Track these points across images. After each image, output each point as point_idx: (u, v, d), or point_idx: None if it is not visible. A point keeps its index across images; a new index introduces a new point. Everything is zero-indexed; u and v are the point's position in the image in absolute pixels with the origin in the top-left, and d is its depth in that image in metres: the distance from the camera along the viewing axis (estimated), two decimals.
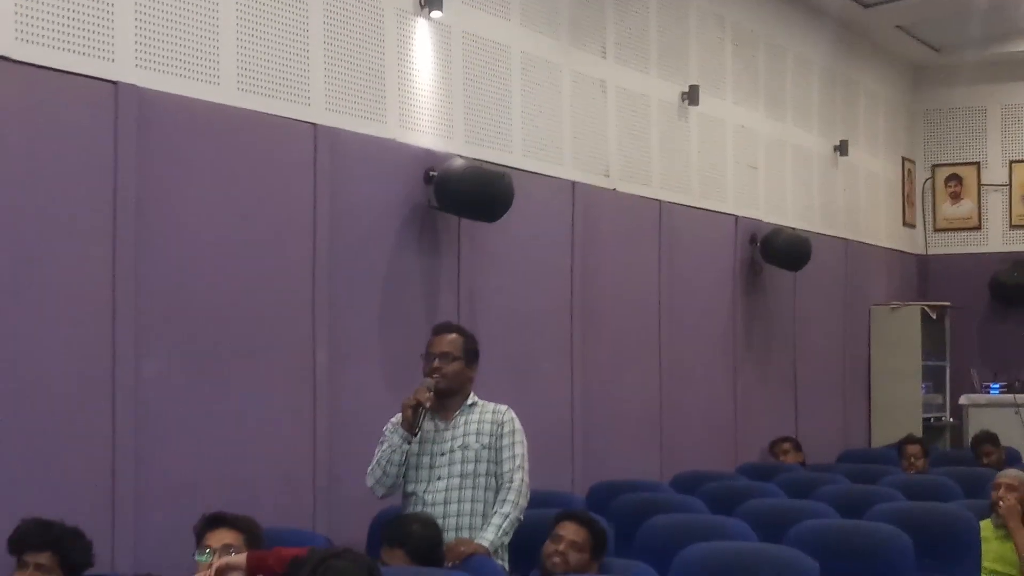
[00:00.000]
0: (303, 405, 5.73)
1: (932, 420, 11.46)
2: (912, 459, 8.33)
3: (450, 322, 5.43)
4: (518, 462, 5.02)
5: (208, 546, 4.05)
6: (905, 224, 12.36)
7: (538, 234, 7.28)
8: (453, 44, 6.70)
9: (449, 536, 4.81)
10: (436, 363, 5.01)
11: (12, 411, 4.56)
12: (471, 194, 6.38)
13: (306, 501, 5.72)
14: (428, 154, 6.45)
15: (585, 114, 7.77)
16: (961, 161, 12.52)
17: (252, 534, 4.11)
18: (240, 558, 3.92)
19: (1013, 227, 12.32)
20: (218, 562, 3.93)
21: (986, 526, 6.06)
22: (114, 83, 4.94)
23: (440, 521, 4.81)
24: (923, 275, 12.51)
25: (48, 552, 4.05)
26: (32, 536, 4.07)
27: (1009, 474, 6.36)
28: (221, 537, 4.05)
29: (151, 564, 4.76)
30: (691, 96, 8.69)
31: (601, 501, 6.52)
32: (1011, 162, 12.31)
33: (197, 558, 4.06)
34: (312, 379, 5.76)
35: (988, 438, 8.91)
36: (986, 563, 5.87)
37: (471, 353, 5.11)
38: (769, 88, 9.87)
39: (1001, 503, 6.12)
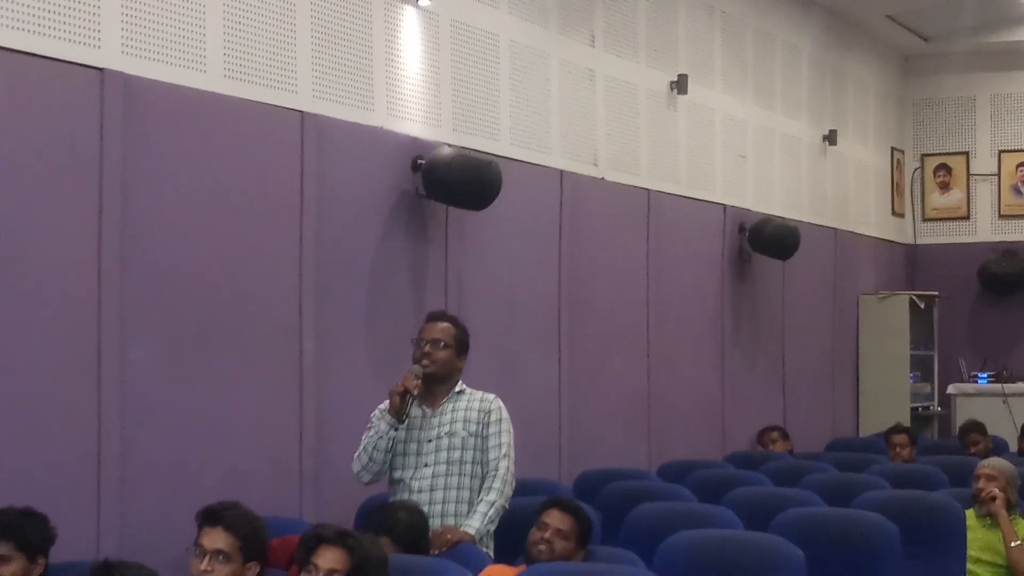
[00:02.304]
0: (290, 392, 5.72)
1: (920, 409, 11.49)
2: (899, 448, 8.34)
3: (444, 311, 5.45)
4: (504, 450, 5.03)
5: (201, 544, 3.97)
6: (894, 213, 12.37)
7: (526, 223, 7.28)
8: (441, 32, 6.69)
9: (435, 523, 4.82)
10: (427, 348, 5.02)
11: None
12: (459, 182, 6.36)
13: (293, 488, 5.72)
14: (415, 142, 6.44)
15: (573, 103, 7.76)
16: (950, 151, 12.53)
17: (249, 539, 4.00)
18: None
19: (1002, 217, 12.33)
20: None
21: (970, 515, 6.08)
22: (100, 70, 4.92)
23: (426, 508, 4.82)
24: (912, 264, 12.52)
25: (2, 541, 4.00)
26: None
27: (989, 463, 6.36)
28: (215, 539, 3.95)
29: (136, 549, 4.74)
30: (679, 85, 8.69)
31: (588, 489, 6.53)
32: (1000, 152, 12.33)
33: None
34: (299, 366, 5.75)
35: (975, 427, 8.93)
36: (972, 552, 5.89)
37: (461, 344, 5.12)
38: (758, 77, 9.87)
39: (984, 494, 6.12)
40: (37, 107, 4.75)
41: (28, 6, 4.68)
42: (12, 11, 4.63)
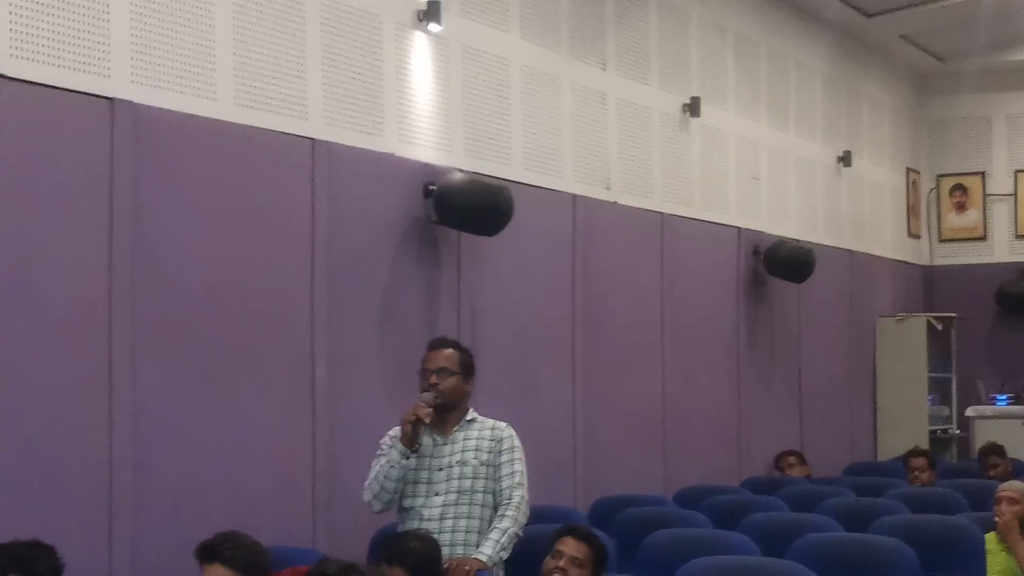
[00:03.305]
0: (302, 417, 5.71)
1: (938, 432, 11.41)
2: (917, 472, 8.27)
3: (446, 337, 5.40)
4: (517, 479, 4.99)
5: None
6: (910, 235, 12.32)
7: (539, 247, 7.26)
8: (452, 57, 6.68)
9: (445, 552, 4.78)
10: (433, 379, 4.98)
11: (9, 419, 4.55)
12: (471, 208, 6.35)
13: (305, 516, 5.69)
14: (427, 168, 6.43)
15: (586, 126, 7.75)
16: (966, 171, 12.48)
17: (249, 568, 3.97)
18: None
19: (1019, 237, 12.27)
20: None
21: (991, 539, 6.02)
22: (110, 99, 4.93)
23: (436, 537, 4.78)
24: (928, 286, 12.46)
25: (12, 574, 3.97)
26: None
27: (1010, 487, 6.31)
28: (215, 575, 3.95)
29: (148, 574, 4.75)
30: (692, 107, 8.67)
31: (604, 515, 6.49)
32: (1016, 172, 12.27)
33: None
34: (311, 391, 5.74)
35: (995, 450, 8.85)
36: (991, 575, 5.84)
37: (468, 368, 5.08)
38: (771, 98, 9.85)
39: (997, 518, 6.07)
40: (48, 136, 4.76)
41: (38, 36, 4.69)
42: (23, 41, 4.64)
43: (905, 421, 11.04)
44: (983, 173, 12.40)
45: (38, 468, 4.64)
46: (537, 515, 5.28)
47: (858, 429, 11.01)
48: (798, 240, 9.78)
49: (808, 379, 10.14)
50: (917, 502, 6.74)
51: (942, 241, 12.58)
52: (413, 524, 4.91)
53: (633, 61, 8.18)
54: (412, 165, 6.37)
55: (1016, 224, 12.28)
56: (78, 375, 4.81)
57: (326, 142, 5.86)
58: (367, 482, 4.98)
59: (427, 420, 4.88)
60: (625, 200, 8.06)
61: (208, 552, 3.95)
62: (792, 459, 9.25)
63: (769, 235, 9.56)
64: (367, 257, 6.12)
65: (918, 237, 12.46)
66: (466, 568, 4.68)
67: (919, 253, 12.46)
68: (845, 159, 10.89)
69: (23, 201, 4.65)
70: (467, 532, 4.91)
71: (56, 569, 4.10)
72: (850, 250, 10.98)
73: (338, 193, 5.91)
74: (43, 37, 4.71)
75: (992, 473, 8.53)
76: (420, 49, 6.47)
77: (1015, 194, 12.27)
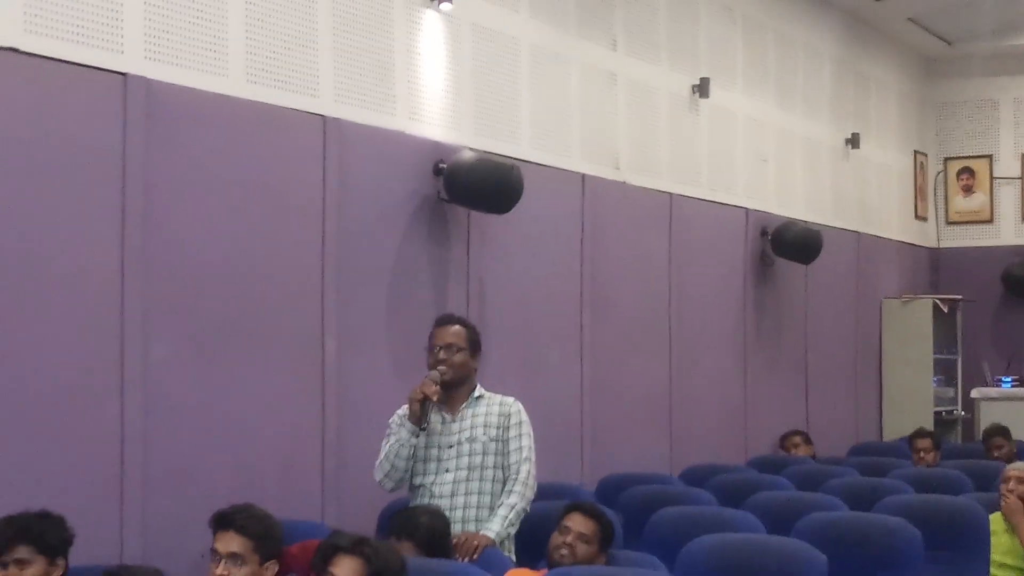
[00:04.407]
0: (312, 394, 5.74)
1: (944, 413, 11.43)
2: (922, 453, 8.30)
3: (452, 314, 5.43)
4: (525, 454, 5.02)
5: (215, 550, 3.99)
6: (917, 217, 12.32)
7: (548, 226, 7.28)
8: (462, 36, 6.69)
9: (456, 528, 4.82)
10: (441, 355, 5.01)
11: (20, 396, 4.59)
12: (480, 186, 6.37)
13: (314, 491, 5.73)
14: (437, 146, 6.45)
15: (595, 106, 7.76)
16: (973, 154, 12.47)
17: (263, 539, 4.01)
18: None
19: None
20: None
21: (996, 519, 6.05)
22: (123, 75, 4.95)
23: (448, 513, 4.82)
24: (935, 268, 12.47)
25: (21, 545, 4.01)
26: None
27: (1018, 467, 6.34)
28: (228, 543, 3.97)
29: (159, 550, 4.80)
30: (701, 88, 8.67)
31: (610, 493, 6.53)
32: (1023, 155, 12.26)
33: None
34: (321, 368, 5.77)
35: (999, 431, 8.88)
36: (995, 556, 5.85)
37: (474, 344, 5.11)
38: (780, 80, 9.85)
39: (1004, 497, 6.10)
40: (61, 111, 4.78)
41: (51, 11, 4.70)
42: (36, 17, 4.66)
43: (910, 402, 11.06)
44: (990, 156, 12.39)
45: (50, 442, 4.67)
46: (544, 492, 5.31)
47: (863, 409, 11.03)
48: (805, 221, 9.79)
49: (814, 359, 10.16)
50: (922, 482, 6.76)
51: (949, 223, 12.58)
52: (424, 501, 4.95)
53: (642, 41, 8.18)
54: (422, 143, 6.39)
55: (1023, 207, 12.28)
56: (89, 350, 4.84)
57: (337, 119, 5.88)
58: (378, 461, 5.02)
59: (434, 398, 4.91)
60: (634, 180, 8.07)
61: (223, 520, 4.00)
62: (797, 439, 9.28)
63: (777, 216, 9.57)
64: (376, 234, 6.15)
65: (925, 219, 12.46)
66: (474, 543, 4.72)
67: (926, 235, 12.46)
68: (853, 141, 10.89)
69: (36, 177, 4.68)
70: (478, 508, 4.95)
71: (66, 540, 4.14)
72: (857, 232, 10.99)
73: (348, 170, 5.93)
74: (57, 12, 4.73)
75: (996, 454, 8.55)
76: (430, 27, 6.48)
77: (1022, 177, 12.26)
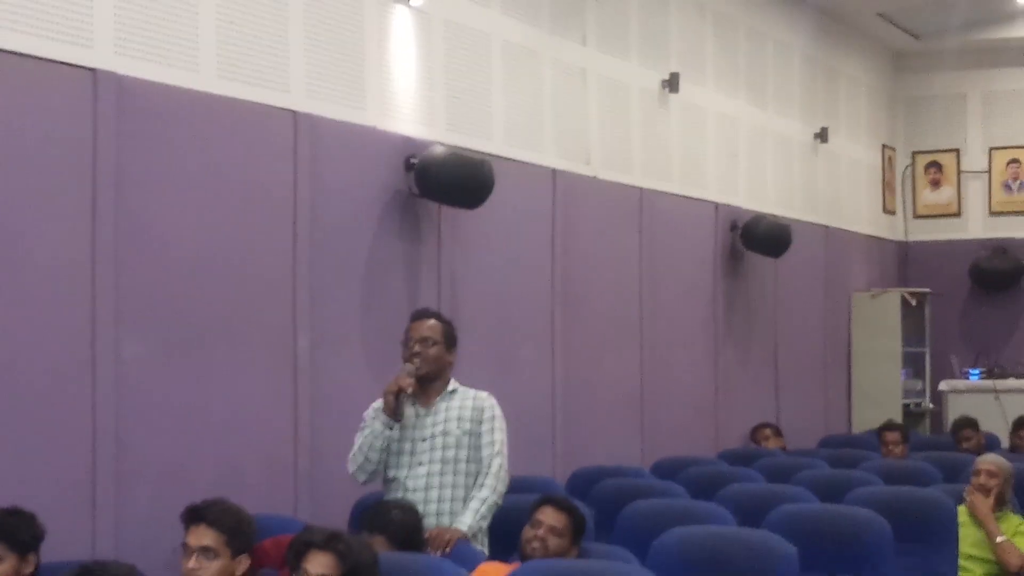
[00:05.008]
0: (284, 390, 5.74)
1: (912, 406, 11.52)
2: (891, 446, 8.36)
3: (428, 308, 5.45)
4: (497, 448, 5.04)
5: (187, 544, 3.98)
6: (885, 211, 12.40)
7: (519, 221, 7.30)
8: (433, 32, 6.70)
9: (430, 522, 4.83)
10: (416, 348, 5.03)
11: None
12: (452, 181, 6.39)
13: (288, 486, 5.74)
14: (408, 141, 6.46)
15: (566, 102, 7.78)
16: (941, 148, 12.55)
17: (235, 532, 4.00)
18: None
19: (993, 214, 12.36)
20: None
21: (963, 511, 6.09)
22: (92, 70, 4.94)
23: (421, 507, 4.83)
24: (903, 262, 12.55)
25: None
26: None
27: (989, 459, 6.38)
28: (200, 536, 3.96)
29: (131, 546, 4.79)
30: (672, 83, 8.70)
31: (582, 487, 6.54)
32: (991, 149, 12.35)
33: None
34: (293, 364, 5.77)
35: (968, 423, 8.95)
36: (964, 548, 5.89)
37: (450, 338, 5.13)
38: (750, 75, 9.89)
39: (967, 496, 6.15)
40: (30, 107, 4.77)
41: (20, 6, 4.69)
42: (4, 11, 4.64)
43: (879, 395, 11.14)
44: (958, 150, 12.47)
45: (20, 438, 4.66)
46: (515, 485, 5.32)
47: (832, 402, 11.10)
48: (775, 216, 9.84)
49: (784, 353, 10.22)
50: (891, 474, 6.81)
51: (917, 217, 12.66)
52: (398, 495, 4.96)
53: (613, 37, 8.20)
54: (393, 138, 6.40)
55: (990, 201, 12.37)
56: (61, 348, 4.83)
57: (308, 115, 5.88)
58: (351, 454, 5.03)
59: (409, 391, 4.92)
60: (605, 175, 8.10)
61: (195, 514, 3.99)
62: (767, 431, 9.34)
63: (746, 211, 9.62)
64: (349, 229, 6.15)
65: (893, 213, 12.54)
66: (446, 537, 4.73)
67: (894, 229, 12.55)
68: (822, 136, 10.94)
69: (5, 172, 4.66)
70: (452, 501, 4.96)
71: (37, 536, 4.13)
72: (826, 226, 11.06)
73: (320, 166, 5.93)
74: (26, 7, 4.71)
75: (965, 446, 8.63)
76: (402, 23, 6.48)
77: (989, 171, 12.35)
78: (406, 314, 5.39)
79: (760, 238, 9.44)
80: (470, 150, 6.74)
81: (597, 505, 5.95)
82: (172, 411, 5.22)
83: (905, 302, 11.40)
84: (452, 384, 5.13)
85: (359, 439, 5.01)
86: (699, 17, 9.21)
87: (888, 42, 12.24)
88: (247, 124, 5.63)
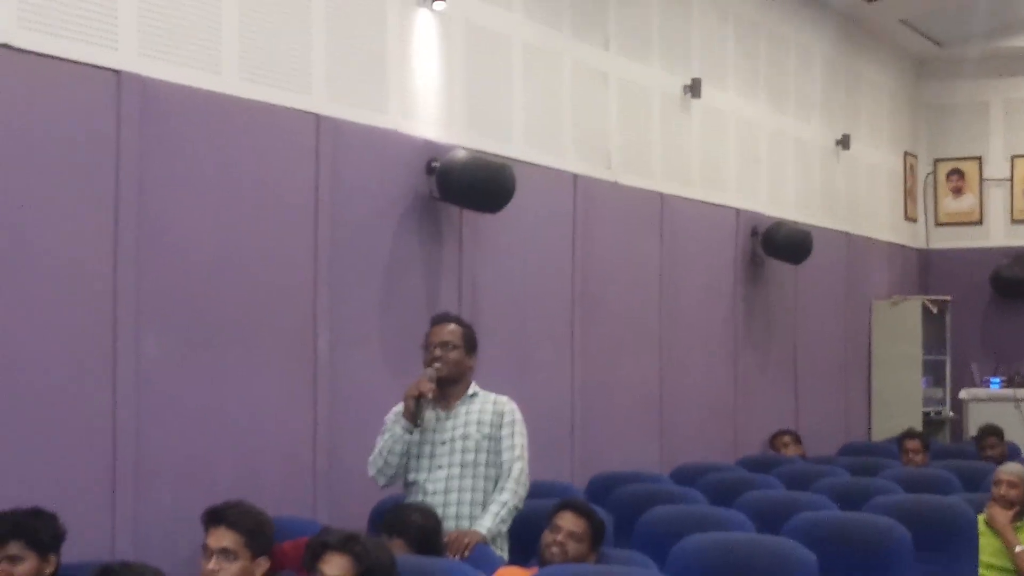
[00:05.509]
0: (304, 390, 5.75)
1: (932, 414, 11.48)
2: (912, 454, 8.32)
3: (448, 312, 5.46)
4: (518, 452, 5.04)
5: (207, 545, 3.99)
6: (907, 218, 12.36)
7: (539, 225, 7.29)
8: (455, 34, 6.70)
9: (449, 525, 4.83)
10: (437, 352, 5.04)
11: (12, 393, 4.58)
12: (473, 185, 6.38)
13: (307, 487, 5.74)
14: (430, 145, 6.46)
15: (587, 106, 7.77)
16: (963, 156, 12.51)
17: (254, 534, 4.02)
18: None
19: (1014, 222, 12.31)
20: None
21: (982, 520, 6.07)
22: (117, 72, 4.94)
23: (440, 510, 4.83)
24: (924, 269, 12.51)
25: (13, 542, 4.01)
26: None
27: (1010, 469, 6.35)
28: (220, 538, 3.97)
29: (151, 547, 4.79)
30: (693, 88, 8.69)
31: (601, 492, 6.54)
32: (1013, 157, 12.30)
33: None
34: (313, 365, 5.78)
35: (993, 431, 8.91)
36: (984, 557, 5.88)
37: (470, 342, 5.14)
38: (771, 81, 9.87)
39: (992, 502, 6.13)
40: (54, 108, 4.78)
41: (45, 7, 4.70)
42: (30, 12, 4.65)
43: (899, 402, 11.10)
44: (980, 158, 12.43)
45: (41, 438, 4.67)
46: (534, 490, 5.32)
47: (852, 410, 11.07)
48: (796, 222, 9.82)
49: (804, 360, 10.19)
50: (911, 482, 6.78)
51: (938, 225, 12.62)
52: (417, 498, 4.96)
53: (635, 41, 8.19)
54: (415, 142, 6.40)
55: (1012, 209, 12.32)
56: (82, 346, 4.83)
57: (330, 118, 5.88)
58: (371, 457, 5.04)
59: (430, 395, 4.93)
60: (625, 180, 8.09)
61: (215, 515, 4.00)
62: (787, 438, 9.31)
63: (767, 216, 9.59)
64: (369, 232, 6.16)
65: (914, 220, 12.50)
66: (465, 541, 4.73)
67: (915, 236, 12.50)
68: (843, 142, 10.91)
69: (30, 173, 4.67)
70: (471, 505, 4.96)
71: (58, 536, 4.14)
72: (847, 232, 11.02)
73: (341, 169, 5.93)
74: (51, 8, 4.72)
75: (989, 453, 8.59)
76: (424, 26, 6.49)
77: (1011, 179, 12.30)
78: (426, 317, 5.39)
79: (781, 244, 9.42)
80: (491, 154, 6.74)
81: (616, 510, 5.95)
82: (192, 411, 5.23)
83: (926, 310, 11.36)
84: (472, 388, 5.13)
85: (380, 442, 5.02)
86: (721, 21, 9.20)
87: (910, 49, 12.21)
88: (269, 126, 5.63)
